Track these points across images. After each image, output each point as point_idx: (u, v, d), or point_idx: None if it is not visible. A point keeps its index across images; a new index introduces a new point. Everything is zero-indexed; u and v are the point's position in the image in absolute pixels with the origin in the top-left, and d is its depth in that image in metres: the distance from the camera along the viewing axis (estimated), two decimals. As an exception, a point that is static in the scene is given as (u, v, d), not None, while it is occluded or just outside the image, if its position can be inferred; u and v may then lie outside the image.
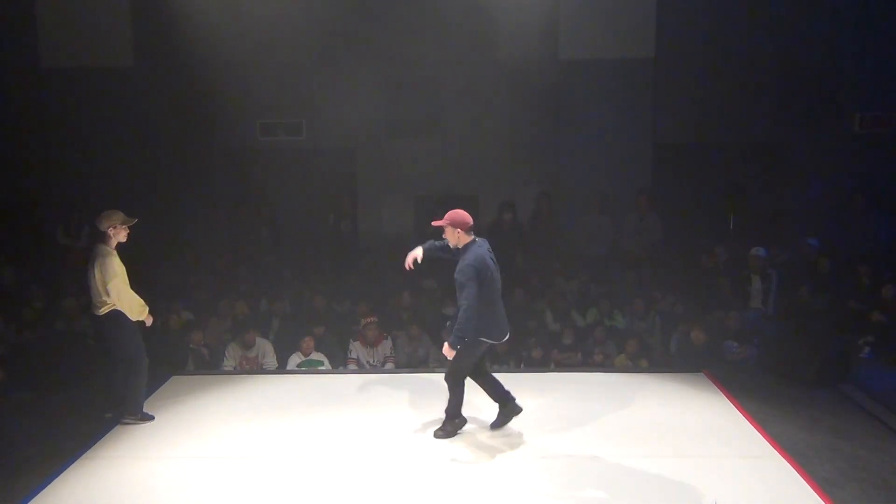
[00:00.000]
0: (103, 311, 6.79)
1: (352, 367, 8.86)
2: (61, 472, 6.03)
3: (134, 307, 6.88)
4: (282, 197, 12.45)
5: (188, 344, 9.00)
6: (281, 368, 8.82)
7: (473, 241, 6.35)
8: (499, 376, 8.31)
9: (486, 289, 6.21)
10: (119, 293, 6.75)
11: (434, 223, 6.45)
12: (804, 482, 5.76)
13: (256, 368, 8.76)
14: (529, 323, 9.67)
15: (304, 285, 10.62)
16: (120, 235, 6.83)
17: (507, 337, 6.65)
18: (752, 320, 9.50)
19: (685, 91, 12.19)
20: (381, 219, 12.77)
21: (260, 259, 11.40)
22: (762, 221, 11.73)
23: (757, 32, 11.93)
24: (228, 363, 8.82)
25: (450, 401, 6.59)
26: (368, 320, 8.97)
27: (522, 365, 9.09)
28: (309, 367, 8.75)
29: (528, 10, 11.37)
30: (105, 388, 7.17)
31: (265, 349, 8.93)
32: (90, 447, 6.46)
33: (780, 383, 7.94)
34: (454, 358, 6.32)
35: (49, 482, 5.86)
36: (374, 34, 11.98)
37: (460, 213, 6.34)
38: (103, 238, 6.81)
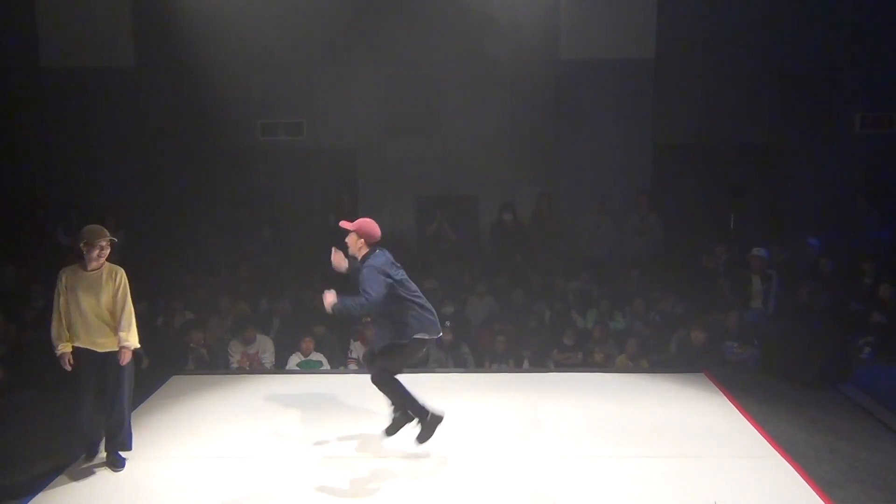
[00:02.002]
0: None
1: (352, 366, 8.87)
2: (61, 472, 6.03)
3: (52, 338, 6.04)
4: (282, 197, 12.45)
5: (188, 344, 9.01)
6: (281, 368, 8.83)
7: (374, 251, 6.09)
8: (499, 376, 8.40)
9: (404, 287, 6.02)
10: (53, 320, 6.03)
11: (342, 224, 6.18)
12: (804, 482, 5.77)
13: (257, 366, 8.78)
14: (529, 323, 9.67)
15: (304, 285, 10.62)
16: (91, 255, 6.01)
17: (441, 335, 6.35)
18: (752, 321, 9.50)
19: (685, 91, 12.19)
20: (381, 219, 12.66)
21: (260, 259, 11.40)
22: (762, 221, 11.72)
23: (757, 33, 11.93)
24: (233, 360, 8.85)
25: (393, 403, 6.25)
26: (369, 320, 8.96)
27: (523, 365, 9.08)
28: (308, 368, 8.75)
29: (529, 10, 11.37)
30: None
31: (265, 345, 8.96)
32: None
33: (781, 384, 7.94)
34: (388, 355, 6.06)
35: (49, 482, 5.87)
36: (374, 34, 11.98)
37: (370, 224, 6.14)
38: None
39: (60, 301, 5.98)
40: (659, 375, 8.30)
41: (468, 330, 9.59)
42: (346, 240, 6.17)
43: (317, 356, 8.88)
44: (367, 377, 8.26)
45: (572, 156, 12.12)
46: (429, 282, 10.59)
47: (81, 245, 6.04)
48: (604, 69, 11.84)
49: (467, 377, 8.34)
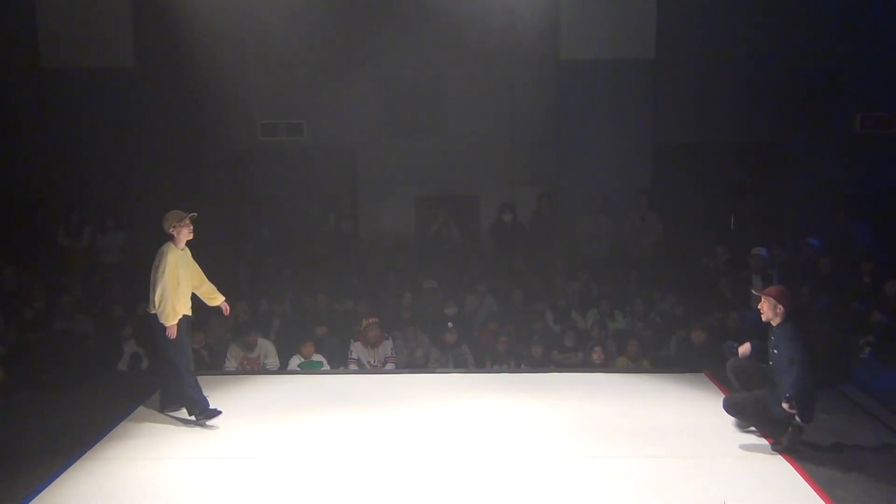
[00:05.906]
0: (152, 309, 6.88)
1: (352, 367, 8.86)
2: (61, 472, 6.04)
3: (166, 310, 6.79)
4: (282, 197, 12.44)
5: (189, 344, 8.98)
6: (282, 369, 8.82)
7: (789, 318, 6.27)
8: (499, 376, 8.40)
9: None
10: (163, 293, 6.77)
11: (755, 291, 6.56)
12: (804, 482, 5.77)
13: (258, 369, 8.76)
14: (530, 323, 9.67)
15: (304, 285, 10.61)
16: (182, 233, 7.01)
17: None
18: (752, 320, 9.48)
19: (685, 91, 12.19)
20: (381, 219, 12.77)
21: (260, 259, 11.39)
22: (762, 221, 11.71)
23: (757, 32, 11.92)
24: (230, 364, 8.82)
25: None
26: (370, 321, 8.95)
27: (522, 365, 9.08)
28: (308, 369, 8.75)
29: (528, 10, 11.37)
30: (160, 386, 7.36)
31: (267, 349, 8.92)
32: (90, 447, 6.46)
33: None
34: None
35: (49, 482, 5.87)
36: (374, 34, 11.98)
37: (789, 293, 6.33)
38: (171, 238, 7.01)
39: (170, 276, 6.82)
40: (659, 375, 8.30)
41: (468, 330, 9.59)
42: (760, 306, 6.37)
43: (317, 357, 8.87)
44: (368, 378, 8.34)
45: (572, 156, 12.11)
46: (429, 282, 10.60)
47: (172, 230, 7.01)
48: (604, 69, 11.83)
49: (468, 377, 8.34)
